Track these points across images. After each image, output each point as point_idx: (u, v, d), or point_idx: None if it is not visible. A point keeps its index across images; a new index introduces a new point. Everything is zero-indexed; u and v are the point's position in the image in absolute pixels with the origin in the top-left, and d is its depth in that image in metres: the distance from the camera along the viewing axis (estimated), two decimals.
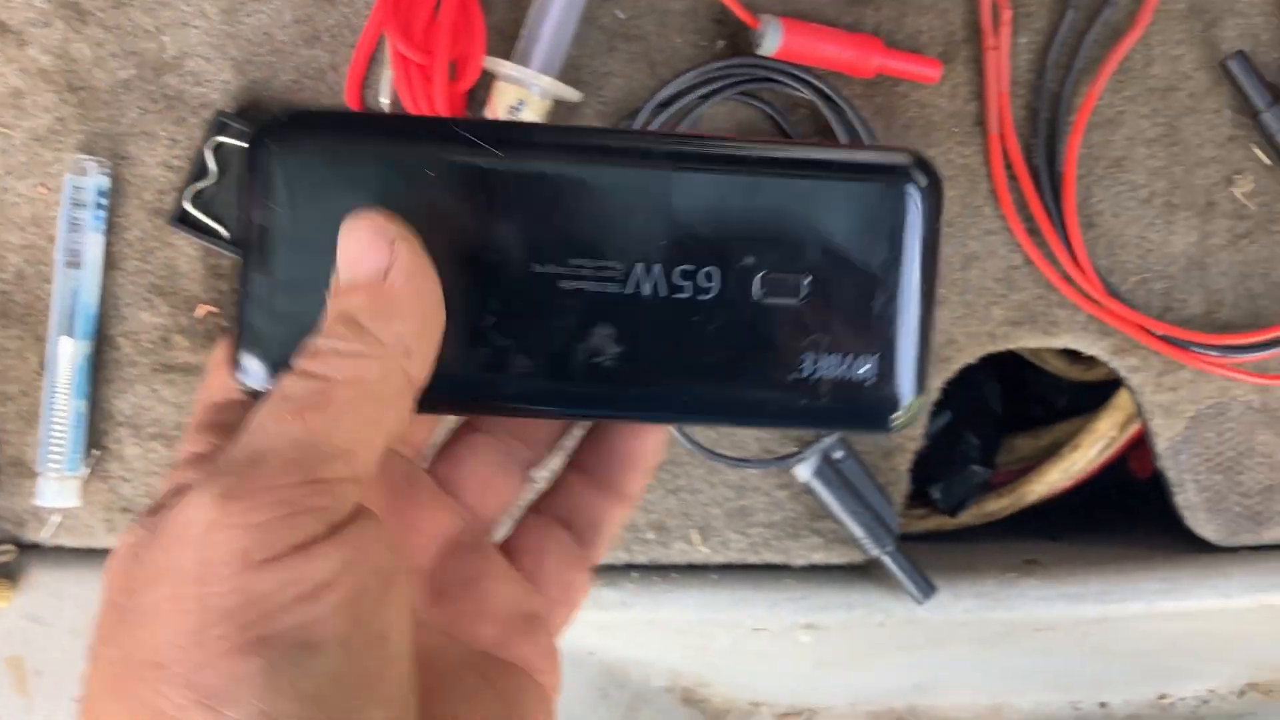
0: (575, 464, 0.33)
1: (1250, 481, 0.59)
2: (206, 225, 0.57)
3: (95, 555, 0.60)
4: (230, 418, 0.27)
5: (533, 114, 0.55)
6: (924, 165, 0.28)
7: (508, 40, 0.57)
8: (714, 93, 0.57)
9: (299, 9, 0.58)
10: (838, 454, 0.57)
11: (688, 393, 0.28)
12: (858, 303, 0.27)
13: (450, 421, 0.35)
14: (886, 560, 0.58)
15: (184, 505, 0.23)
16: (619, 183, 0.27)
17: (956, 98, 0.58)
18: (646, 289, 0.27)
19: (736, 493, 0.59)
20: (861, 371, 0.27)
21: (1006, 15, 0.57)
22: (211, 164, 0.57)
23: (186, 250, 0.59)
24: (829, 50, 0.55)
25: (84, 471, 0.58)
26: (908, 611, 0.59)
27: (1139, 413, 0.59)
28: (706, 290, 0.27)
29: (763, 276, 0.27)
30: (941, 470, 0.66)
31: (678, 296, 0.27)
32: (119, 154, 0.58)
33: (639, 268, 0.27)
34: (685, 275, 0.27)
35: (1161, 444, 0.59)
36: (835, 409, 0.28)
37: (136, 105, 0.58)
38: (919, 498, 0.67)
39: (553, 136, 0.28)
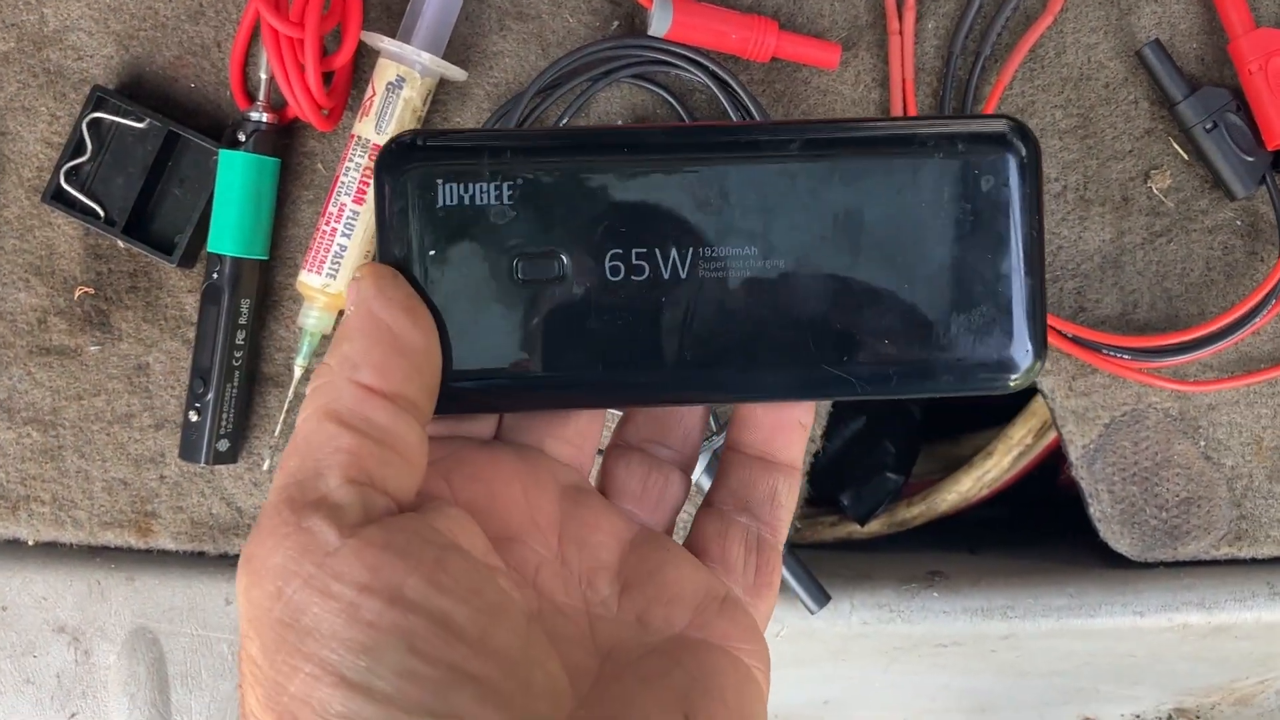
0: (730, 447, 0.34)
1: (1167, 494, 0.56)
2: (83, 203, 0.56)
3: None
4: None
5: (414, 92, 0.53)
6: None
7: (396, 18, 0.55)
8: (605, 74, 0.54)
9: None
10: None
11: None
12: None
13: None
14: None
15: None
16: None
17: (860, 85, 0.55)
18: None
19: None
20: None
21: None
22: (88, 140, 0.55)
23: (66, 230, 0.57)
24: (721, 31, 0.53)
25: None
26: (804, 622, 0.56)
27: (1052, 419, 0.56)
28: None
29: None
30: (854, 477, 0.63)
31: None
32: None
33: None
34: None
35: (1075, 452, 0.56)
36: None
37: (16, 79, 0.56)
38: (830, 504, 0.64)
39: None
